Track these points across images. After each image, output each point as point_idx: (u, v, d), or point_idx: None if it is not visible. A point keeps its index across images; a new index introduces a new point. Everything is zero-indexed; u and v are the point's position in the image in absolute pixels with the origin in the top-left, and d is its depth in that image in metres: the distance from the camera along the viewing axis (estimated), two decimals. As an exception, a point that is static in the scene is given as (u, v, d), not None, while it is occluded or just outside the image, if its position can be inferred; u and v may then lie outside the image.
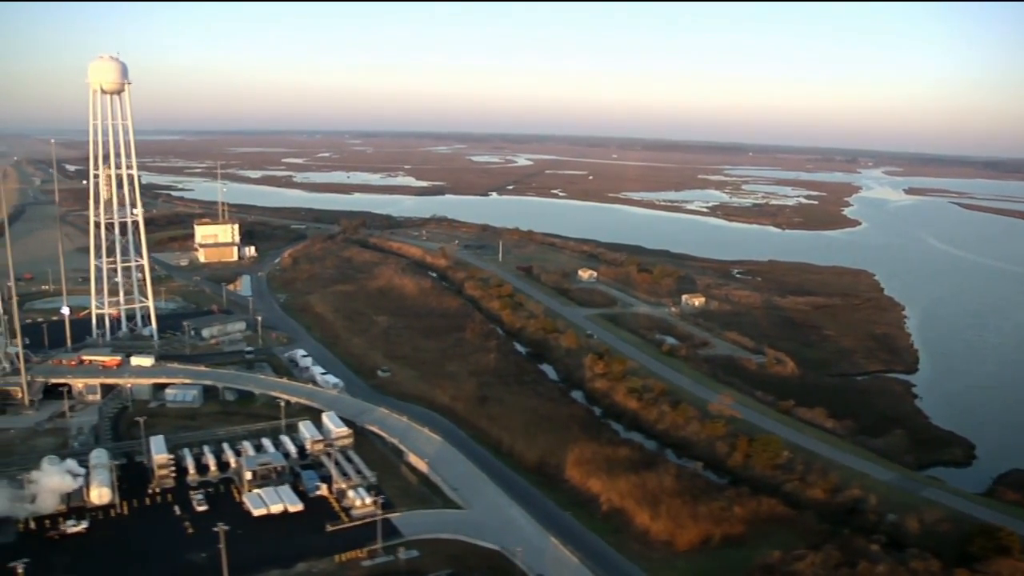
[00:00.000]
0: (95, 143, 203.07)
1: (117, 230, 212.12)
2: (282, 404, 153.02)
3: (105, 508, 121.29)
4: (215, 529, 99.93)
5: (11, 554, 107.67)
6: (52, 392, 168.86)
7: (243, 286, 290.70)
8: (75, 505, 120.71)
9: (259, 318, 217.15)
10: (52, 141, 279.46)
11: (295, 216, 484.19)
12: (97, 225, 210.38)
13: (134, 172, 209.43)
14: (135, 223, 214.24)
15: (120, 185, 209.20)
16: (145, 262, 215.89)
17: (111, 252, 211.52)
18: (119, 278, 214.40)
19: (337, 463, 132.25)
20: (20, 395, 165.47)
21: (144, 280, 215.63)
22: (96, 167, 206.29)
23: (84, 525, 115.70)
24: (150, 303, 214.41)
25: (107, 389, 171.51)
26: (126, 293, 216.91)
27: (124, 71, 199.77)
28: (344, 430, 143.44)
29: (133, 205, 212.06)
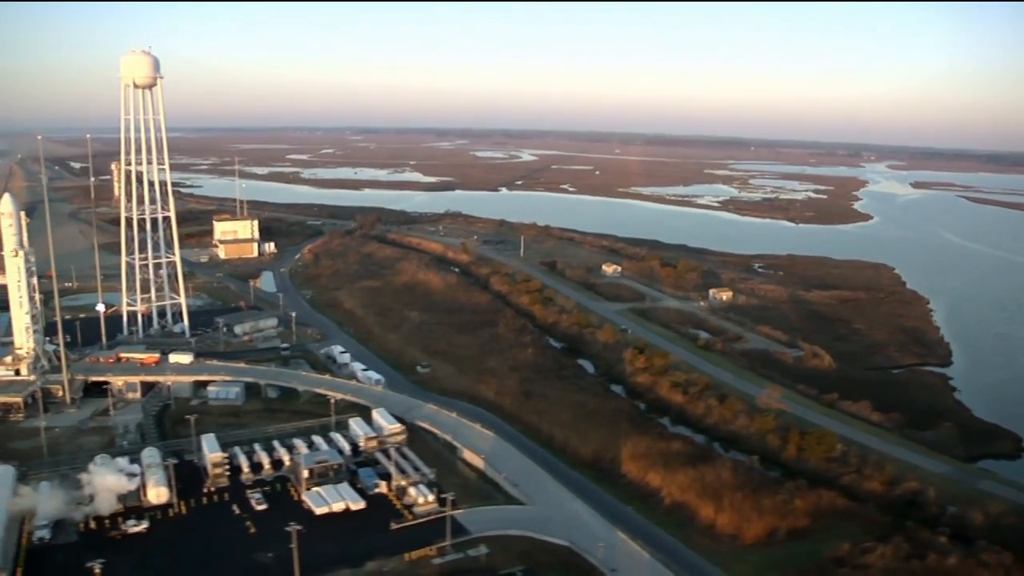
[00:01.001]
0: (125, 139, 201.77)
1: (149, 226, 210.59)
2: (332, 401, 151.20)
3: (163, 508, 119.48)
4: (288, 529, 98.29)
5: (75, 554, 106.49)
6: (90, 390, 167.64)
7: (262, 282, 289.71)
8: (131, 505, 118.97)
9: (293, 315, 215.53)
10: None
11: (309, 212, 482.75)
12: (128, 221, 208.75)
13: (166, 167, 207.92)
14: (166, 219, 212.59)
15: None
16: (177, 258, 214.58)
17: (141, 248, 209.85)
18: (150, 274, 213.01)
19: (393, 460, 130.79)
20: (61, 393, 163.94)
21: (176, 277, 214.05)
22: (128, 163, 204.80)
23: (145, 525, 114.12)
24: (182, 300, 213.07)
25: (146, 387, 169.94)
26: (157, 290, 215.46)
27: (156, 65, 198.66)
28: (397, 427, 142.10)
29: (164, 201, 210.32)
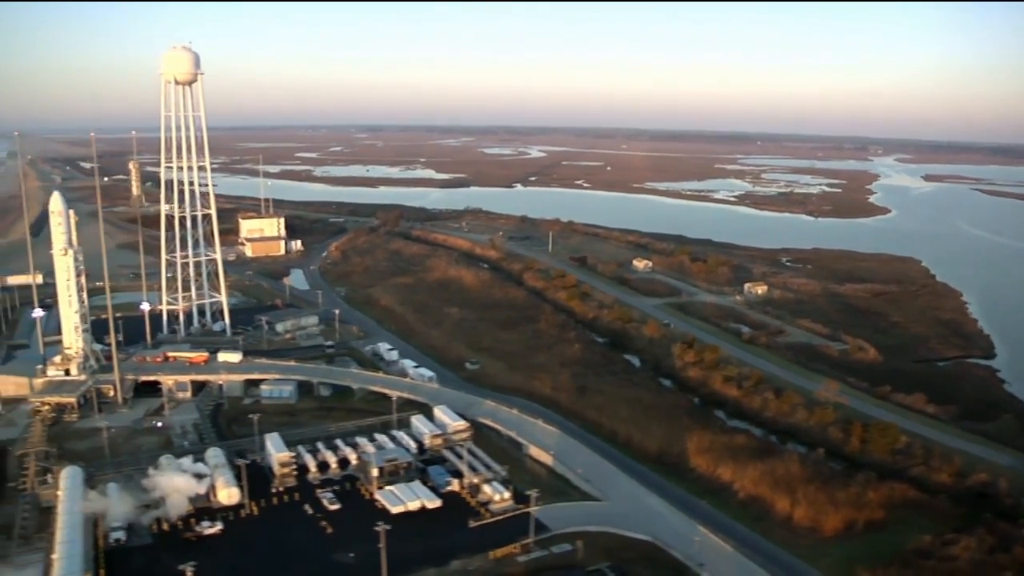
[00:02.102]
0: (166, 137, 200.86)
1: (189, 224, 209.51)
2: (394, 399, 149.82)
3: (234, 509, 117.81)
4: (376, 528, 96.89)
5: (153, 556, 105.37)
6: (138, 389, 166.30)
7: (292, 280, 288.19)
8: (200, 506, 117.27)
9: (337, 312, 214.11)
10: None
11: (328, 210, 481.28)
12: (169, 219, 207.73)
13: (206, 164, 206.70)
14: (206, 216, 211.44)
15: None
16: (218, 256, 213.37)
17: (177, 247, 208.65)
18: (190, 272, 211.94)
19: (461, 457, 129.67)
20: (113, 393, 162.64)
21: (216, 275, 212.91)
22: (169, 160, 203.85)
23: (220, 526, 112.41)
24: (223, 298, 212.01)
25: (195, 386, 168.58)
26: (196, 288, 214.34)
27: (197, 61, 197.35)
28: (462, 424, 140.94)
29: (205, 198, 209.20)
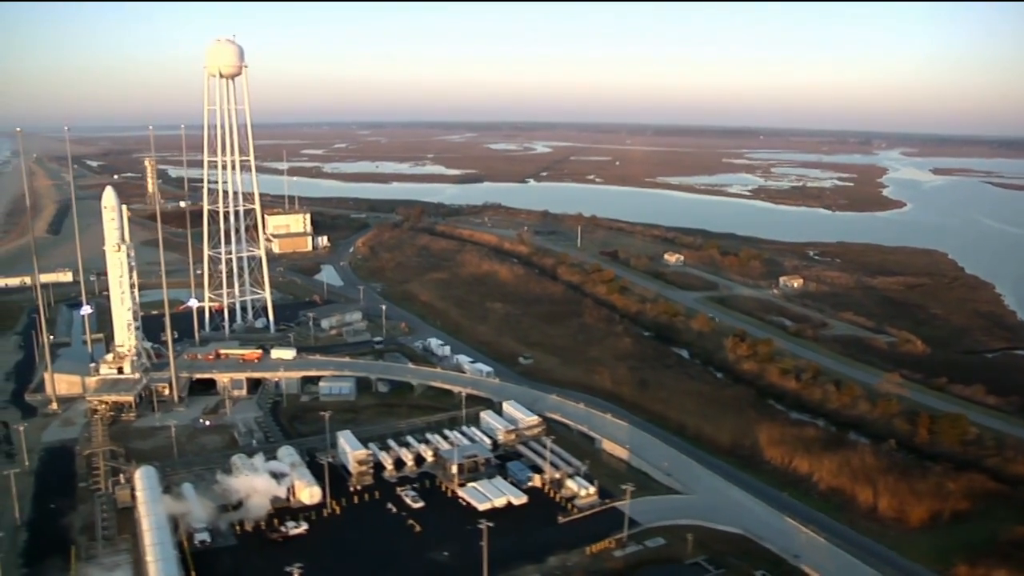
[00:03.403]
0: (210, 131, 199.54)
1: (233, 219, 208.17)
2: (462, 395, 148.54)
3: (315, 508, 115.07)
4: (481, 526, 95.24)
5: (242, 557, 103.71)
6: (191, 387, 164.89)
7: (324, 276, 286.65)
8: (279, 506, 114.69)
9: (383, 307, 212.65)
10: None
11: (345, 206, 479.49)
12: (212, 215, 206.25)
13: (251, 158, 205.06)
14: (249, 212, 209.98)
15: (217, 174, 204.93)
16: (262, 252, 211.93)
17: (215, 242, 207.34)
18: (234, 268, 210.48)
19: (542, 453, 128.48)
20: (168, 391, 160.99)
21: (261, 271, 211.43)
22: (213, 154, 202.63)
23: (305, 526, 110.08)
24: (267, 294, 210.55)
25: (250, 383, 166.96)
26: (238, 284, 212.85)
27: (241, 54, 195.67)
28: (534, 419, 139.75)
29: (249, 194, 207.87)
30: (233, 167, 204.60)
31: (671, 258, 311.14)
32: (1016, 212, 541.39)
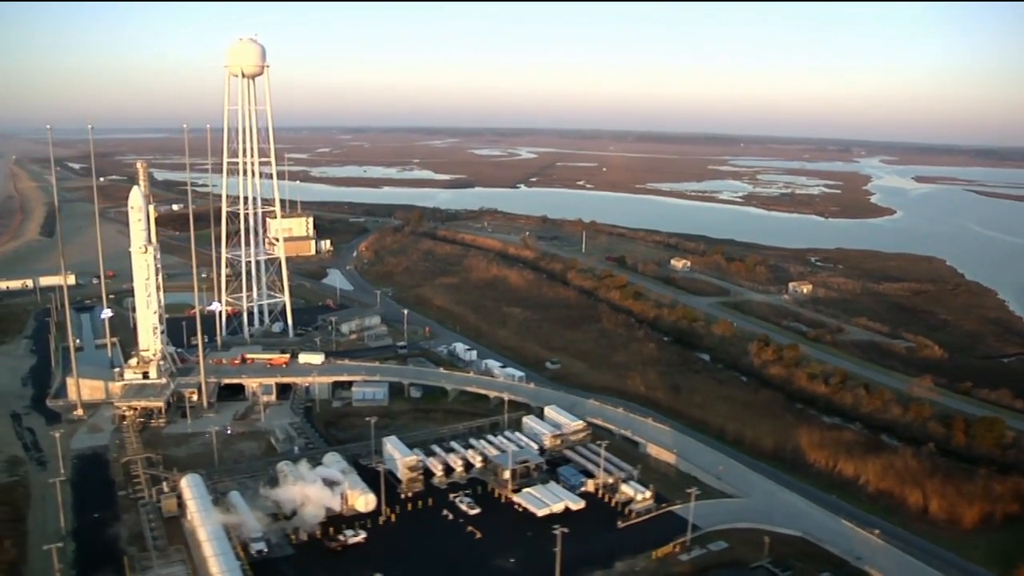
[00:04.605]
0: (230, 131, 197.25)
1: (252, 221, 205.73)
2: (505, 400, 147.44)
3: (370, 516, 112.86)
4: (554, 530, 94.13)
5: (302, 568, 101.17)
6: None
7: (330, 280, 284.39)
8: (332, 514, 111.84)
9: (405, 312, 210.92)
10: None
11: (340, 210, 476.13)
12: (231, 217, 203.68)
13: (272, 160, 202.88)
14: (269, 215, 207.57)
15: (242, 174, 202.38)
16: (282, 255, 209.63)
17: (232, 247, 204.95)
18: (253, 271, 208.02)
19: (587, 457, 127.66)
20: (196, 397, 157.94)
21: (280, 274, 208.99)
22: (232, 155, 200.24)
23: (363, 535, 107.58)
24: (286, 298, 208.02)
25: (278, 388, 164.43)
26: (256, 287, 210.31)
27: (263, 53, 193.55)
28: (579, 423, 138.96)
29: (270, 196, 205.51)
30: (253, 169, 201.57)
31: (678, 263, 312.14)
32: (1003, 220, 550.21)
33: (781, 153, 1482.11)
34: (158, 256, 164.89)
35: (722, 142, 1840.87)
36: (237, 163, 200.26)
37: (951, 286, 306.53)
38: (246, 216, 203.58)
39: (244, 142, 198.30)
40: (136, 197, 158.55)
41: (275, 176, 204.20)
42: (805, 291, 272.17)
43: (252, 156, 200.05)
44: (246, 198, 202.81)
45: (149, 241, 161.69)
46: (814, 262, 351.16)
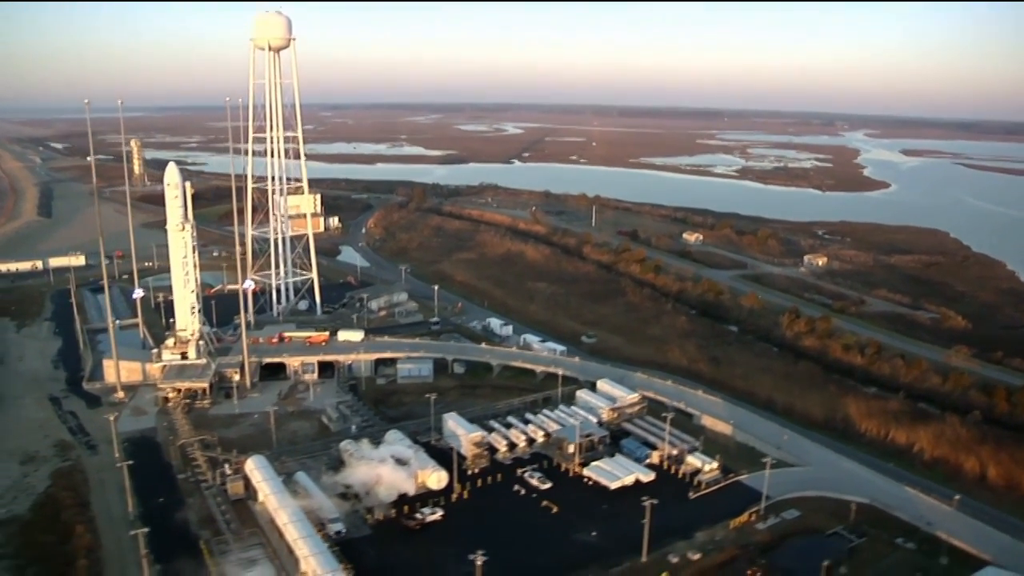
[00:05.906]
0: (261, 108, 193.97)
1: (282, 199, 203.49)
2: (560, 375, 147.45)
3: (443, 493, 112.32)
4: (643, 502, 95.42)
5: (385, 547, 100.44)
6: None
7: (343, 257, 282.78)
8: (400, 492, 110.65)
9: (435, 287, 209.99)
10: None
11: (339, 187, 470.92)
12: (263, 194, 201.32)
13: (299, 134, 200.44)
14: (296, 191, 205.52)
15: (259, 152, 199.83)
16: (309, 232, 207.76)
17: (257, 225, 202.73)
18: (280, 249, 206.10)
19: (646, 429, 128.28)
20: (239, 377, 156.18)
21: (308, 252, 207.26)
22: (259, 131, 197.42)
23: (441, 512, 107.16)
24: (314, 275, 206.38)
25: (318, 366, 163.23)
26: (280, 266, 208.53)
27: (290, 26, 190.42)
28: (635, 396, 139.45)
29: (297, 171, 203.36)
30: (275, 145, 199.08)
31: (691, 237, 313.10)
32: (997, 192, 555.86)
33: (766, 127, 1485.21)
34: (194, 234, 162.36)
35: (705, 116, 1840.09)
36: (264, 138, 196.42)
37: (960, 258, 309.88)
38: (265, 193, 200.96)
39: (269, 118, 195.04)
40: (173, 174, 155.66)
41: (302, 153, 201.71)
42: (820, 263, 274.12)
43: (278, 131, 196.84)
44: (272, 177, 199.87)
45: (185, 218, 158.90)
46: (821, 235, 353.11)
